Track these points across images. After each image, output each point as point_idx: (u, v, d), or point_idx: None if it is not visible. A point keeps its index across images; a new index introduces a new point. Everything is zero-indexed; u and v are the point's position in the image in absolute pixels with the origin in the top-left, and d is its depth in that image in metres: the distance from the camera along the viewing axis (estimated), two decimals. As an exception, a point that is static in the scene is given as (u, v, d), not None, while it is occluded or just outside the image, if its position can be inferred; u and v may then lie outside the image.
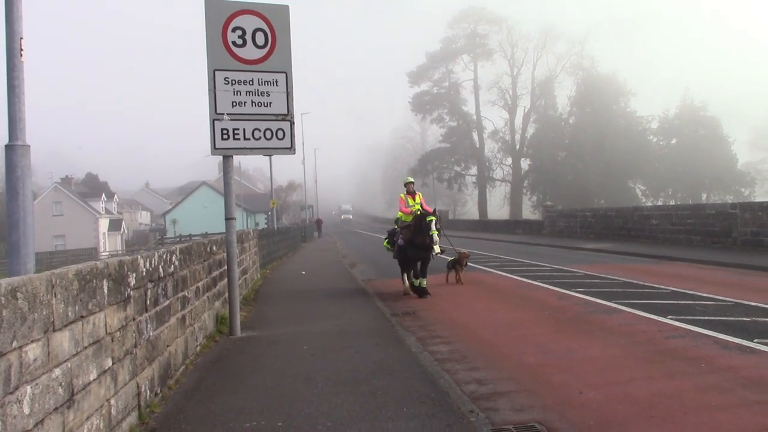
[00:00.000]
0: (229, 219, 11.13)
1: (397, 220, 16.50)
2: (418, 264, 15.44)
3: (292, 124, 11.29)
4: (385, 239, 17.51)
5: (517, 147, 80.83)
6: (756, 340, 9.11)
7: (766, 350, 8.57)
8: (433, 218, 14.91)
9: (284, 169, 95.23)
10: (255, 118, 11.03)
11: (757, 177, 75.19)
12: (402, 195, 16.15)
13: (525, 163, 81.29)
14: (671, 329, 10.18)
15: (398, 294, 16.36)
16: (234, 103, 10.88)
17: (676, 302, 12.62)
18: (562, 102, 79.36)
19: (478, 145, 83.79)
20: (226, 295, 11.64)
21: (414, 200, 15.89)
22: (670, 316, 11.10)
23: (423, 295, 15.13)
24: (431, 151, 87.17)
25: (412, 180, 16.53)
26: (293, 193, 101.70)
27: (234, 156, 11.37)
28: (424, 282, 15.40)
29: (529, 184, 79.38)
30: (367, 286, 17.84)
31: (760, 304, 12.07)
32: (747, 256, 20.95)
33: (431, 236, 14.74)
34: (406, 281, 16.05)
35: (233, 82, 10.88)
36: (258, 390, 7.46)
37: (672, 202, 64.18)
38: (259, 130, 11.04)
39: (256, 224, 73.22)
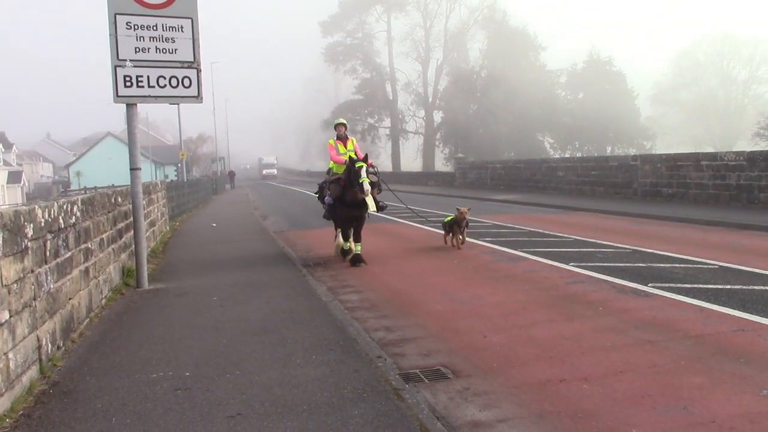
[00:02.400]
0: (134, 170, 10.83)
1: (329, 171, 13.83)
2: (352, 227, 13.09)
3: (198, 71, 11.00)
4: (316, 193, 14.69)
5: (430, 99, 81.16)
6: (650, 285, 9.59)
7: (659, 294, 9.04)
8: (363, 164, 12.18)
9: (195, 120, 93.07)
10: (160, 65, 10.70)
11: (659, 131, 77.99)
12: (331, 141, 13.36)
13: (438, 116, 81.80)
14: (572, 275, 10.60)
15: (309, 245, 16.35)
16: (137, 49, 10.50)
17: (578, 250, 13.12)
18: (475, 55, 79.86)
19: (391, 98, 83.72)
20: (133, 247, 11.38)
21: (346, 146, 13.14)
22: (572, 263, 11.53)
23: (355, 263, 12.61)
24: (344, 102, 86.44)
25: (343, 121, 13.57)
26: (204, 145, 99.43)
27: (139, 105, 11.03)
28: (359, 247, 12.89)
29: (442, 137, 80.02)
30: (279, 238, 17.77)
31: (655, 251, 12.68)
32: (646, 206, 21.90)
33: (361, 184, 11.92)
34: (339, 237, 13.45)
35: (136, 27, 10.48)
36: (165, 341, 7.38)
37: (578, 155, 66.00)
38: (164, 78, 10.72)
39: (166, 176, 71.28)
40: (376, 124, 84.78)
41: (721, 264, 11.09)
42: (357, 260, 12.68)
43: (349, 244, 13.06)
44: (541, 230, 16.79)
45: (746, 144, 62.20)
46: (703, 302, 8.44)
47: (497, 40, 75.25)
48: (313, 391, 5.57)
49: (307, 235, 18.87)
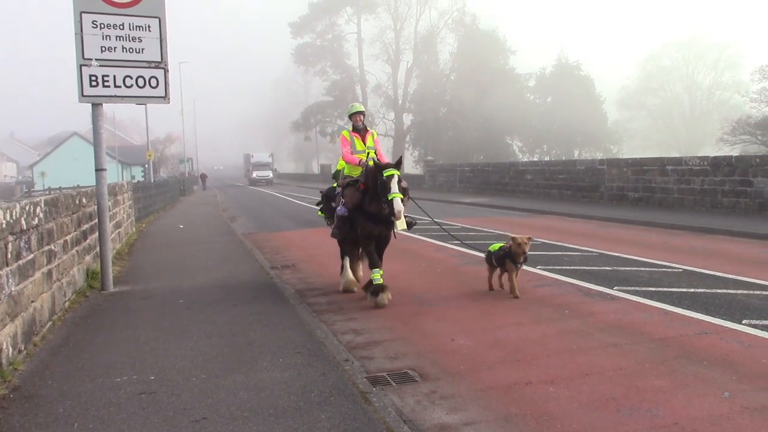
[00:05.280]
0: (99, 170, 10.68)
1: (336, 174, 10.60)
2: (365, 247, 9.87)
3: (166, 71, 10.90)
4: (318, 204, 11.28)
5: (400, 102, 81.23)
6: (616, 288, 9.70)
7: (624, 297, 9.15)
8: (395, 172, 8.95)
9: (163, 120, 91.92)
10: (126, 65, 10.59)
11: (625, 135, 78.89)
12: (345, 133, 10.26)
13: (407, 118, 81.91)
14: (540, 278, 10.69)
15: (278, 247, 16.26)
16: (103, 48, 10.39)
17: (545, 253, 13.22)
18: (444, 58, 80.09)
19: (361, 99, 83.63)
20: (98, 249, 11.22)
21: (364, 142, 10.12)
22: (539, 266, 11.62)
23: (377, 296, 9.13)
24: (314, 104, 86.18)
25: (361, 108, 10.28)
26: (172, 146, 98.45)
27: (105, 105, 10.89)
28: (379, 274, 9.30)
29: (411, 139, 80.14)
30: (247, 240, 17.66)
31: (621, 254, 12.83)
32: (612, 210, 22.15)
33: (391, 202, 8.82)
34: (348, 270, 10.41)
35: (102, 25, 10.37)
36: (130, 344, 7.28)
37: (547, 158, 66.55)
38: (131, 78, 10.62)
39: (133, 177, 70.49)
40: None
41: (685, 267, 11.25)
42: (379, 292, 9.14)
43: (377, 275, 9.37)
44: (509, 233, 16.85)
45: (711, 149, 63.16)
46: (668, 305, 8.55)
47: (467, 43, 75.56)
48: (279, 395, 5.54)
49: (276, 237, 18.78)
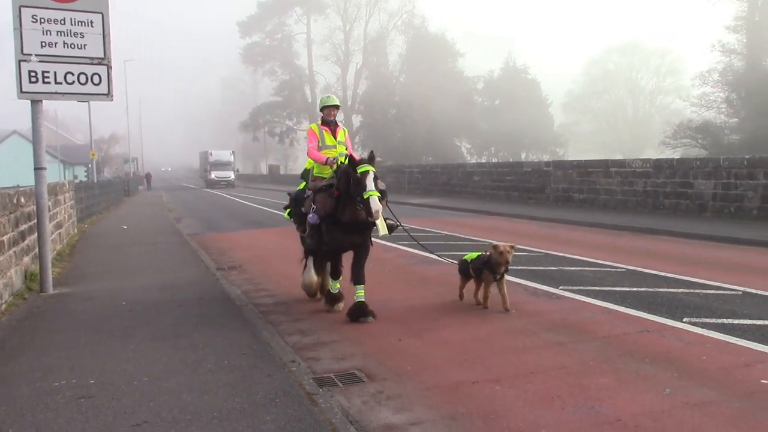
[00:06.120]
0: (38, 169, 10.36)
1: (305, 174, 9.60)
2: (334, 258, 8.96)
3: (109, 68, 10.66)
4: (285, 208, 10.22)
5: (349, 103, 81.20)
6: (561, 287, 9.83)
7: (569, 296, 9.28)
8: (370, 168, 8.02)
9: (107, 119, 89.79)
10: (68, 61, 10.32)
11: (571, 138, 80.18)
12: (314, 126, 9.19)
13: (356, 119, 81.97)
14: (487, 279, 10.74)
15: (224, 248, 16.06)
16: (43, 44, 10.10)
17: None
18: (394, 60, 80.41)
19: (310, 100, 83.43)
20: (37, 250, 10.91)
21: (335, 137, 9.12)
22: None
23: (358, 317, 8.28)
24: (263, 104, 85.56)
25: (336, 102, 9.20)
26: (116, 145, 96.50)
27: (45, 102, 10.59)
28: (361, 291, 8.45)
29: (360, 140, 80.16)
30: (193, 241, 17.39)
31: (566, 255, 13.02)
32: (558, 211, 22.48)
33: (367, 201, 7.83)
34: (311, 269, 9.43)
35: (42, 20, 10.08)
36: (70, 348, 7.08)
37: (494, 160, 67.21)
38: (73, 74, 10.35)
39: (75, 177, 68.80)
40: (295, 127, 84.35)
41: (628, 267, 11.46)
42: (360, 313, 8.30)
43: (337, 285, 8.91)
44: (456, 234, 17.00)
45: (653, 152, 64.57)
46: (611, 304, 8.69)
47: (416, 45, 75.98)
48: (224, 397, 5.45)
49: (222, 238, 18.56)
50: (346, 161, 8.38)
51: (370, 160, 8.16)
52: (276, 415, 5.07)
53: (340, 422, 4.96)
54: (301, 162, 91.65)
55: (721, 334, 7.15)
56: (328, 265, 9.22)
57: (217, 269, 12.39)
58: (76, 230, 20.53)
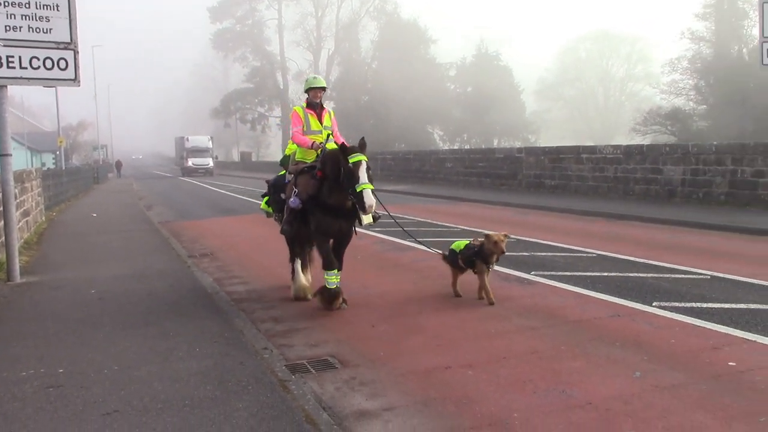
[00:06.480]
0: (3, 155, 10.17)
1: (285, 160, 9.14)
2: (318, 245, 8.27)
3: (76, 53, 10.45)
4: (263, 196, 9.67)
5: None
6: (533, 273, 9.89)
7: (541, 281, 9.34)
8: (362, 158, 7.60)
9: (75, 106, 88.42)
10: (33, 45, 10.08)
11: (543, 125, 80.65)
12: (298, 109, 8.70)
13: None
14: (459, 264, 10.76)
15: (195, 236, 15.94)
16: (7, 27, 9.86)
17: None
18: (366, 46, 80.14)
19: (282, 87, 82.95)
20: (3, 238, 10.72)
21: (321, 121, 8.66)
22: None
23: (332, 304, 8.01)
24: (234, 91, 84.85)
25: (322, 84, 8.77)
26: (85, 132, 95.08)
27: (10, 87, 10.39)
28: (336, 279, 8.00)
29: (333, 127, 79.87)
30: (164, 228, 17.22)
31: (538, 240, 13.10)
32: (530, 197, 22.62)
33: (360, 194, 7.41)
34: (300, 275, 8.96)
35: (6, 3, 9.83)
36: (37, 337, 6.98)
37: (467, 147, 67.40)
38: (38, 59, 10.12)
39: (43, 164, 67.75)
40: (267, 113, 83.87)
41: (599, 252, 11.57)
42: (334, 298, 8.00)
43: (334, 278, 8.02)
44: (429, 220, 17.03)
45: (623, 139, 65.14)
46: (582, 289, 8.77)
47: (388, 31, 75.77)
48: (195, 385, 5.40)
49: (193, 226, 18.42)
50: (328, 143, 8.16)
51: (362, 148, 7.71)
52: (248, 402, 5.04)
53: (313, 409, 4.94)
54: (273, 149, 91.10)
55: (690, 318, 7.24)
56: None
57: (188, 257, 12.29)
58: (44, 218, 20.24)
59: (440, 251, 9.25)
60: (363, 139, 7.91)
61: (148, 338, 6.81)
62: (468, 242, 8.52)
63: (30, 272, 10.91)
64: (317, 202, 7.84)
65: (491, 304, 8.03)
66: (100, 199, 31.19)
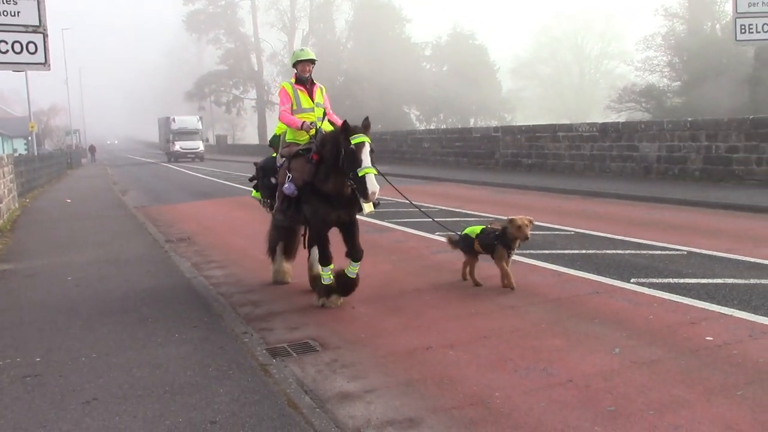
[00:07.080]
0: (-26, 142, 10.01)
1: (275, 140, 8.33)
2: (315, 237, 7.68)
3: (45, 36, 10.28)
4: (251, 179, 8.86)
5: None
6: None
7: (519, 260, 9.31)
8: (365, 139, 6.89)
9: (46, 90, 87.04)
10: (1, 29, 9.92)
11: (518, 103, 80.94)
12: (286, 85, 7.94)
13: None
14: (438, 245, 10.77)
15: (172, 220, 15.80)
16: (-26, 11, 9.68)
17: (443, 219, 13.32)
18: (341, 26, 79.73)
19: (256, 68, 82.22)
20: (-24, 226, 10.57)
21: (312, 98, 7.90)
22: (437, 233, 11.71)
23: (328, 298, 7.47)
24: (208, 73, 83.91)
25: (311, 56, 8.01)
26: (57, 117, 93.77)
27: (-23, 71, 10.21)
28: (355, 268, 7.40)
29: (309, 109, 79.47)
30: (139, 213, 17.06)
31: (516, 219, 13.11)
32: (507, 176, 22.69)
33: (362, 179, 6.71)
34: (281, 257, 8.64)
35: (-29, -14, 9.65)
36: (13, 326, 6.88)
37: (443, 126, 67.43)
38: (6, 43, 9.98)
39: (14, 150, 66.78)
40: (242, 96, 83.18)
41: (577, 230, 11.63)
42: (349, 287, 7.43)
43: (328, 273, 7.46)
44: (407, 201, 16.97)
45: (599, 116, 65.53)
46: (561, 267, 8.82)
47: (363, 11, 75.40)
48: (175, 371, 5.36)
49: (170, 210, 18.27)
50: (324, 125, 7.60)
51: (365, 128, 7.00)
52: (229, 387, 5.01)
53: (295, 392, 4.92)
54: (249, 131, 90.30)
55: (668, 294, 7.30)
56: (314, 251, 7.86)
57: (165, 242, 12.18)
58: (17, 205, 19.96)
59: (445, 235, 8.93)
60: (367, 118, 7.24)
61: (126, 325, 6.75)
62: (483, 227, 8.09)
63: (4, 260, 10.77)
64: (313, 188, 7.20)
65: (512, 289, 7.67)
66: (74, 185, 30.82)
